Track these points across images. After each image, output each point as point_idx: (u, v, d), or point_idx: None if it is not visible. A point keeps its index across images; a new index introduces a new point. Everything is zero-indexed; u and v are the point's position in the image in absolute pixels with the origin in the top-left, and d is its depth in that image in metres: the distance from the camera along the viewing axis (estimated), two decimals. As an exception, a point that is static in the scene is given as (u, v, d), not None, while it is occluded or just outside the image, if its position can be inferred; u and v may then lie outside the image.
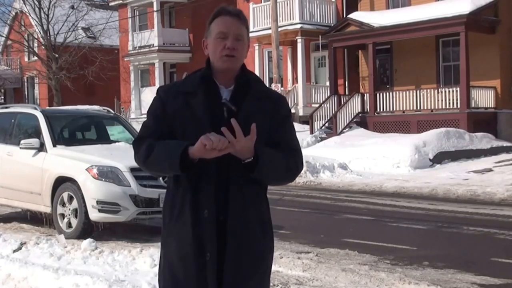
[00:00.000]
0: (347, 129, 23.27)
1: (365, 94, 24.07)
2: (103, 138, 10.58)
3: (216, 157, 2.62)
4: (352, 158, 18.58)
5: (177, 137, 2.73)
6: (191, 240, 2.69)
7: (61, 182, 9.16)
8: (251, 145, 2.61)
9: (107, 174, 8.78)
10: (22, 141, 9.73)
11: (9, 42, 42.70)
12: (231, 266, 2.68)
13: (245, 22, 2.80)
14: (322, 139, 22.86)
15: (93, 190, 8.77)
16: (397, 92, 23.21)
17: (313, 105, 26.22)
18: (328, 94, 25.40)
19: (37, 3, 35.79)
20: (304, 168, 16.57)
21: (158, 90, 2.87)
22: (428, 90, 22.34)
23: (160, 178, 8.67)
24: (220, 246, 2.68)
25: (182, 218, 2.73)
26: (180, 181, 2.76)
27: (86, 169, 8.87)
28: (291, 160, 2.77)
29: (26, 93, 46.29)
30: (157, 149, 2.70)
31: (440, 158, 18.68)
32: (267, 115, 2.76)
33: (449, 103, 21.68)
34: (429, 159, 18.49)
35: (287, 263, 7.07)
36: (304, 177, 16.44)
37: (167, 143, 2.69)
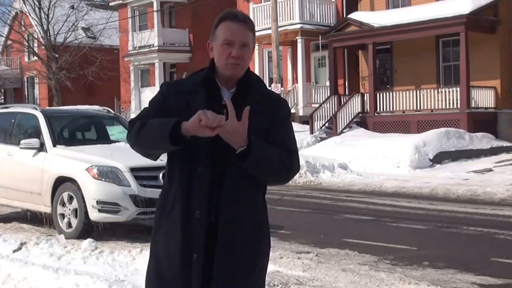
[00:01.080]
0: (347, 129, 23.27)
1: (365, 94, 24.07)
2: (103, 138, 10.58)
3: (211, 156, 2.63)
4: (352, 158, 18.58)
5: None
6: (179, 238, 2.68)
7: (61, 182, 9.16)
8: (242, 129, 2.57)
9: (107, 174, 8.78)
10: (22, 141, 9.73)
11: (9, 42, 42.68)
12: (222, 268, 2.67)
13: (251, 27, 2.78)
14: (322, 139, 22.87)
15: (93, 190, 8.77)
16: (397, 92, 23.21)
17: (313, 105, 26.22)
18: (328, 94, 25.41)
19: (37, 3, 35.78)
20: (304, 168, 16.57)
21: (161, 85, 2.88)
22: (428, 90, 22.34)
23: (160, 178, 8.66)
24: (210, 247, 2.66)
25: (172, 216, 2.72)
26: (173, 179, 2.75)
27: (86, 169, 8.87)
28: (285, 156, 2.72)
29: (26, 93, 46.28)
30: (150, 122, 2.68)
31: (440, 158, 18.68)
32: (266, 117, 2.74)
33: (449, 103, 21.68)
34: (429, 159, 18.49)
35: (287, 263, 7.07)
36: (304, 177, 16.44)
37: (162, 119, 2.67)
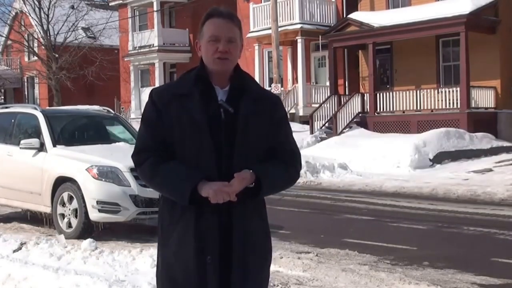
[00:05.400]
0: (347, 129, 23.26)
1: (365, 94, 24.07)
2: (103, 138, 10.57)
3: (216, 157, 2.67)
4: (352, 158, 18.56)
5: (176, 143, 2.71)
6: (192, 243, 2.68)
7: (61, 182, 9.16)
8: (246, 183, 2.65)
9: (107, 174, 8.78)
10: (22, 141, 9.73)
11: (9, 42, 42.68)
12: (239, 269, 2.68)
13: (237, 23, 2.77)
14: (322, 139, 22.85)
15: (93, 190, 8.77)
16: (397, 92, 23.21)
17: (313, 105, 26.21)
18: (328, 94, 25.40)
19: (37, 3, 35.77)
20: (304, 168, 16.57)
21: (151, 94, 2.81)
22: (428, 90, 22.34)
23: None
24: (222, 248, 2.67)
25: (183, 220, 2.71)
26: None
27: (86, 169, 8.87)
28: (290, 168, 2.82)
29: (26, 93, 46.27)
30: (164, 175, 2.68)
31: (440, 158, 18.68)
32: (265, 116, 2.76)
33: (449, 103, 21.68)
34: (429, 159, 18.49)
35: (287, 263, 7.07)
36: (304, 177, 16.42)
37: (174, 172, 2.68)
